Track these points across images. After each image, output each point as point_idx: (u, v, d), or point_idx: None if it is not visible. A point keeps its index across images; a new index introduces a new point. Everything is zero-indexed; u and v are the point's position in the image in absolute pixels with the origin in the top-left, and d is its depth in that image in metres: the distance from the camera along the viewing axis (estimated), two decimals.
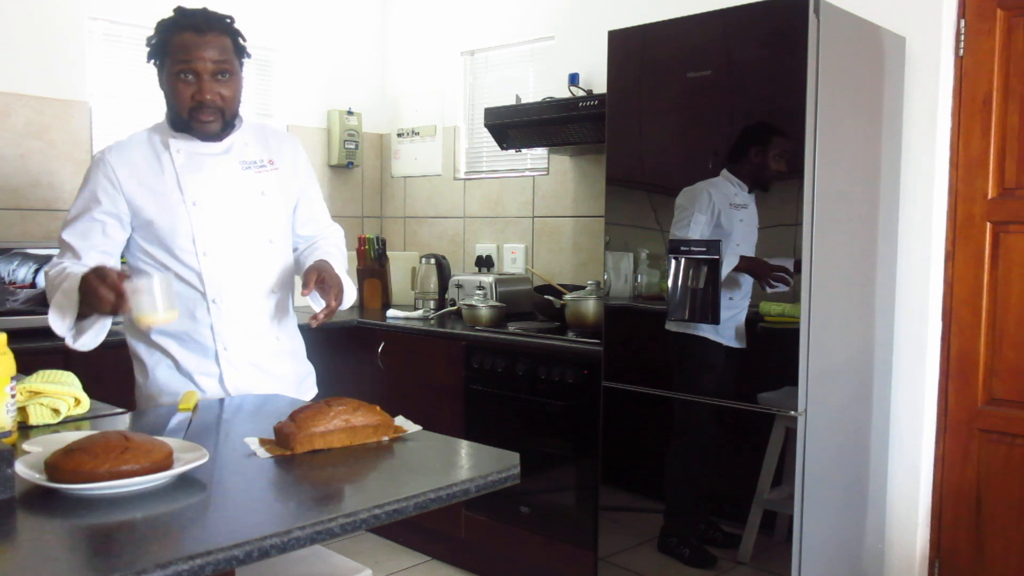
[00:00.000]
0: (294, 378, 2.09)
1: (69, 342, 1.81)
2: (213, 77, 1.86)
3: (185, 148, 1.93)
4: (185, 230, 1.89)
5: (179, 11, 1.89)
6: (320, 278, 1.88)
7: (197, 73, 1.85)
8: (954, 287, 2.57)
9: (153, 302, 1.63)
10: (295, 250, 2.14)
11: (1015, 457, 2.48)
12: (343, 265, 2.07)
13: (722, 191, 2.32)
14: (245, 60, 1.96)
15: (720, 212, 2.32)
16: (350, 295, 2.01)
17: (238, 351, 1.96)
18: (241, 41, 1.94)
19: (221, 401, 1.90)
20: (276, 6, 3.91)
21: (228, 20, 1.91)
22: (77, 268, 1.81)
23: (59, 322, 1.77)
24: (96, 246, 1.89)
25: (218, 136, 1.93)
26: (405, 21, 4.26)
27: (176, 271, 1.91)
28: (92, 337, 1.81)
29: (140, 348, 1.99)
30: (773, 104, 2.25)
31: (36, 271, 2.84)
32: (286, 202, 2.05)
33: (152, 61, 1.93)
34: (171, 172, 1.91)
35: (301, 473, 1.36)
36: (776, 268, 2.24)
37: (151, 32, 1.93)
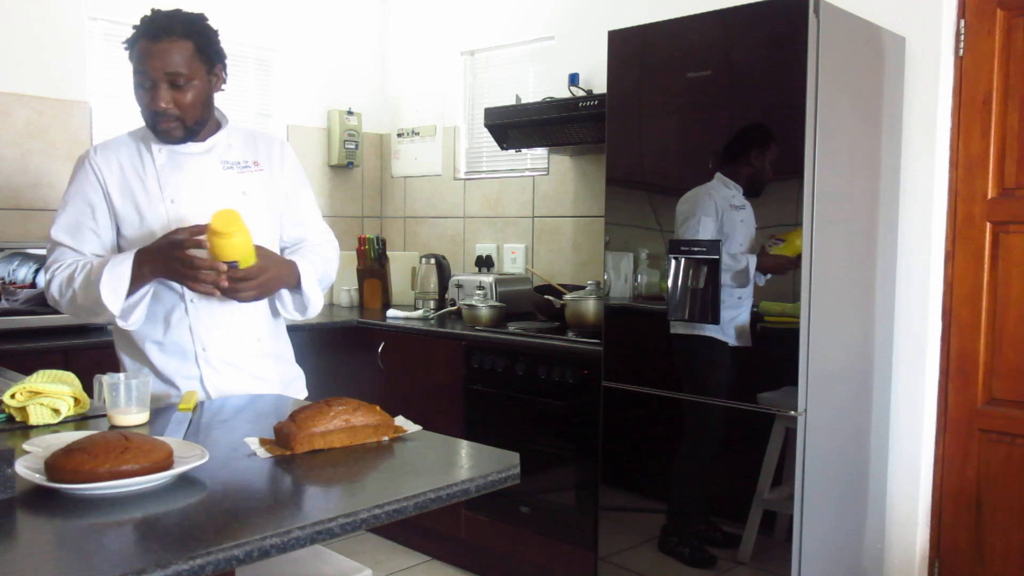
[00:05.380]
0: (278, 380, 2.07)
1: (121, 322, 1.84)
2: (170, 85, 1.82)
3: (166, 148, 1.93)
4: (162, 228, 1.89)
5: (144, 16, 1.87)
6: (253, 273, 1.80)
7: (152, 82, 1.82)
8: (954, 287, 2.57)
9: (129, 402, 1.62)
10: (282, 253, 2.12)
11: (1015, 457, 2.48)
12: (319, 273, 2.02)
13: (720, 193, 2.32)
14: (221, 61, 1.92)
15: (723, 214, 2.32)
16: (314, 304, 1.98)
17: (217, 352, 1.95)
18: (209, 43, 1.88)
19: (221, 401, 1.90)
20: (276, 6, 3.91)
21: (195, 21, 1.85)
22: (99, 259, 1.84)
23: (115, 300, 1.78)
24: (87, 244, 1.90)
25: (182, 140, 1.90)
26: (405, 21, 4.27)
27: None
28: (140, 313, 1.86)
29: (125, 358, 2.00)
30: (773, 104, 2.25)
31: (36, 271, 2.84)
32: (270, 203, 2.03)
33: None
34: (152, 170, 1.92)
35: (301, 473, 1.36)
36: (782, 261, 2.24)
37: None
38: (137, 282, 1.79)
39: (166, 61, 1.81)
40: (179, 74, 1.82)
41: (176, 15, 1.86)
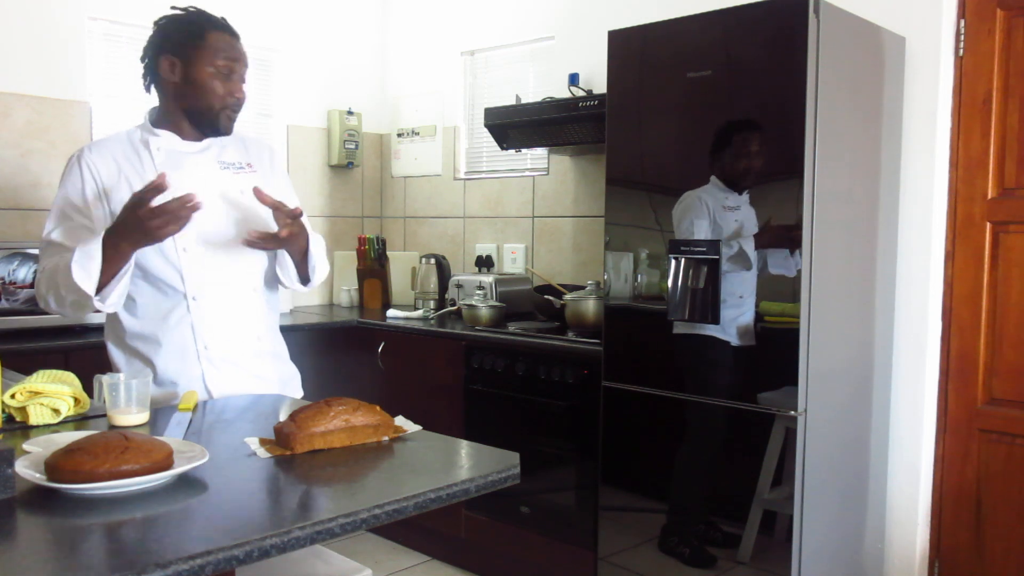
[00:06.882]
0: (277, 379, 2.08)
1: (99, 303, 1.78)
2: (240, 78, 1.95)
3: (166, 146, 1.94)
4: None
5: (202, 12, 1.94)
6: (283, 208, 1.87)
7: (232, 72, 1.93)
8: (954, 287, 2.57)
9: (129, 402, 1.62)
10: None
11: (1015, 457, 2.48)
12: (320, 252, 2.07)
13: (712, 195, 2.33)
14: None
15: (715, 215, 2.33)
16: (321, 270, 2.05)
17: (218, 350, 1.95)
18: None
19: (221, 401, 1.90)
20: (276, 6, 3.91)
21: None
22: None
23: (87, 280, 1.72)
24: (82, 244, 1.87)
25: (230, 132, 1.99)
26: (405, 21, 4.27)
27: (155, 270, 1.91)
28: (117, 297, 1.80)
29: (119, 358, 1.98)
30: (773, 104, 2.25)
31: (36, 271, 2.84)
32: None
33: (166, 54, 1.90)
34: (151, 168, 1.91)
35: (301, 473, 1.36)
36: (779, 229, 2.24)
37: (164, 24, 1.94)
38: (115, 261, 1.73)
39: (244, 56, 1.96)
40: (247, 69, 1.98)
41: None
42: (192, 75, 1.90)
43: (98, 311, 1.86)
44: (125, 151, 1.94)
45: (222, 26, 1.93)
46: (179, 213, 1.67)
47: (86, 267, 1.72)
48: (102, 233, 1.74)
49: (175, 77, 1.91)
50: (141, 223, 1.67)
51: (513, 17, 3.77)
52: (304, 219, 2.17)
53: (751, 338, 2.30)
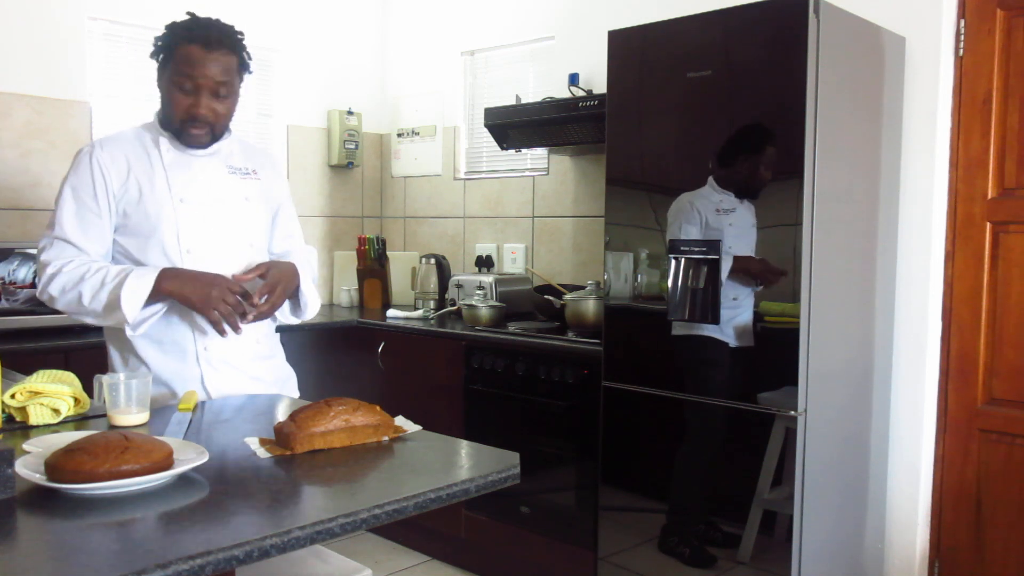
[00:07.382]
0: (273, 381, 2.09)
1: (129, 330, 1.87)
2: (212, 94, 1.88)
3: (175, 147, 1.94)
4: (170, 226, 1.90)
5: (192, 20, 1.89)
6: (267, 274, 1.91)
7: (197, 87, 1.86)
8: (954, 287, 2.57)
9: (129, 402, 1.62)
10: None
11: (1015, 457, 2.48)
12: (310, 278, 2.10)
13: (707, 198, 2.33)
14: (248, 74, 1.99)
15: (707, 219, 2.33)
16: (313, 306, 2.07)
17: (218, 352, 1.96)
18: (247, 58, 1.95)
19: (220, 401, 1.90)
20: (276, 6, 3.91)
21: (238, 36, 1.92)
22: (114, 266, 1.86)
23: (132, 310, 1.80)
24: (94, 242, 1.89)
25: (206, 147, 1.96)
26: (405, 21, 4.27)
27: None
28: (149, 325, 1.89)
29: (119, 358, 1.99)
30: (773, 104, 2.25)
31: (42, 262, 2.83)
32: (266, 212, 2.08)
33: (155, 59, 1.93)
34: (160, 168, 1.92)
35: (301, 473, 1.36)
36: (767, 266, 2.24)
37: (156, 30, 1.95)
38: (154, 296, 1.82)
39: (216, 71, 1.86)
40: (224, 84, 1.88)
41: (224, 27, 1.89)
42: (160, 86, 1.91)
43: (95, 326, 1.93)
44: (135, 149, 1.94)
45: (199, 38, 1.84)
46: (235, 312, 1.83)
47: (131, 300, 1.79)
48: (157, 271, 1.81)
49: (158, 83, 1.93)
50: (210, 299, 1.80)
51: (513, 17, 3.77)
52: (298, 227, 2.20)
53: (751, 338, 2.30)
